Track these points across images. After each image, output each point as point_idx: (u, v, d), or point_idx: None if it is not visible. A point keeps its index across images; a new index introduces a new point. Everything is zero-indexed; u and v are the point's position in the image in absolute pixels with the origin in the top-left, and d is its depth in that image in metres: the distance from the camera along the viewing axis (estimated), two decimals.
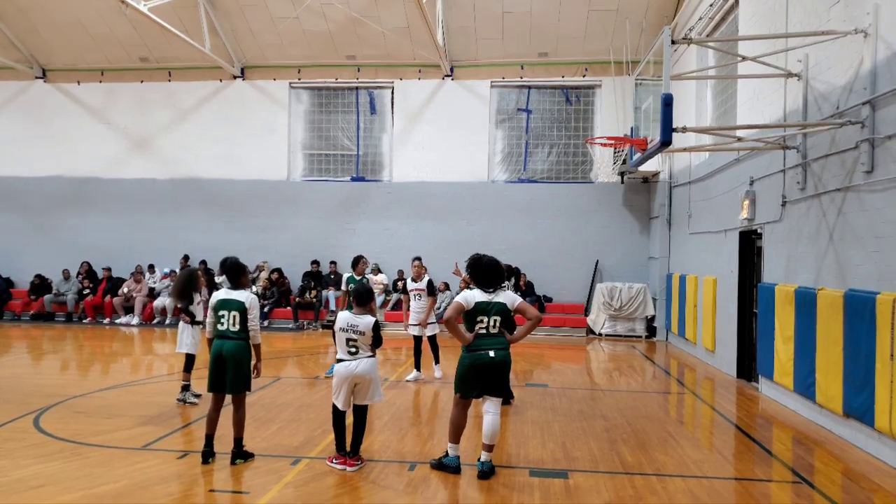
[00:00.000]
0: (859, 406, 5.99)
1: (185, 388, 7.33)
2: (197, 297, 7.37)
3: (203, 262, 15.06)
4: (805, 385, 7.11)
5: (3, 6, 15.18)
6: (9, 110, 16.78)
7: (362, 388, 5.22)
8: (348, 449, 5.28)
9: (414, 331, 8.82)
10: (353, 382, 5.18)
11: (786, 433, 6.79)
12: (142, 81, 16.37)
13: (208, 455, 5.29)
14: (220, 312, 5.32)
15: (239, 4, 14.50)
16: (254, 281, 15.09)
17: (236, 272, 5.51)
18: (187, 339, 7.34)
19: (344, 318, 5.26)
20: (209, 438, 5.32)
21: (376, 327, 5.24)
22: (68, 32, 15.60)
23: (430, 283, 8.88)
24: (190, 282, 7.37)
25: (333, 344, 5.45)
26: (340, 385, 5.19)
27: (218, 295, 5.40)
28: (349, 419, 5.31)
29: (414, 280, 8.89)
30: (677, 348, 12.95)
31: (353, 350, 5.19)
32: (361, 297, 5.34)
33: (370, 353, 5.25)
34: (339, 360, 5.23)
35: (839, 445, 6.21)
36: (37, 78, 16.64)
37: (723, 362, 10.22)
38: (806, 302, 7.07)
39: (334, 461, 5.25)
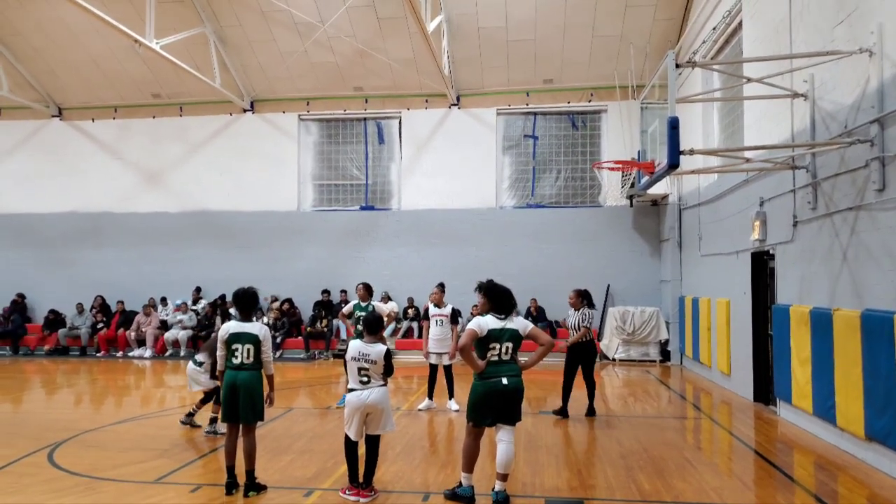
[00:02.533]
0: (882, 429, 5.85)
1: (214, 420, 7.32)
2: None
3: (222, 297, 15.10)
4: (825, 408, 6.96)
5: (22, 48, 15.64)
6: (26, 148, 17.13)
7: (374, 418, 5.17)
8: (361, 480, 5.21)
9: (432, 359, 8.70)
10: (365, 412, 5.14)
11: (807, 458, 6.63)
12: (154, 117, 16.71)
13: (231, 486, 5.26)
14: (234, 346, 5.31)
15: (248, 40, 14.85)
16: (264, 312, 15.11)
17: (250, 304, 5.51)
18: (202, 376, 7.36)
19: (355, 346, 5.24)
20: (230, 470, 5.29)
21: (388, 356, 5.22)
22: (83, 71, 16.01)
23: (454, 310, 8.75)
24: None
25: (345, 373, 5.42)
26: (352, 415, 5.16)
27: (230, 328, 5.37)
28: (361, 449, 5.26)
29: (436, 306, 8.77)
30: (692, 372, 12.76)
31: (365, 379, 5.17)
32: (372, 326, 5.32)
33: (382, 382, 5.22)
34: (351, 390, 5.20)
35: (863, 470, 6.05)
36: (53, 116, 17.03)
37: (739, 386, 10.05)
38: (822, 323, 6.97)
39: (347, 492, 5.19)
